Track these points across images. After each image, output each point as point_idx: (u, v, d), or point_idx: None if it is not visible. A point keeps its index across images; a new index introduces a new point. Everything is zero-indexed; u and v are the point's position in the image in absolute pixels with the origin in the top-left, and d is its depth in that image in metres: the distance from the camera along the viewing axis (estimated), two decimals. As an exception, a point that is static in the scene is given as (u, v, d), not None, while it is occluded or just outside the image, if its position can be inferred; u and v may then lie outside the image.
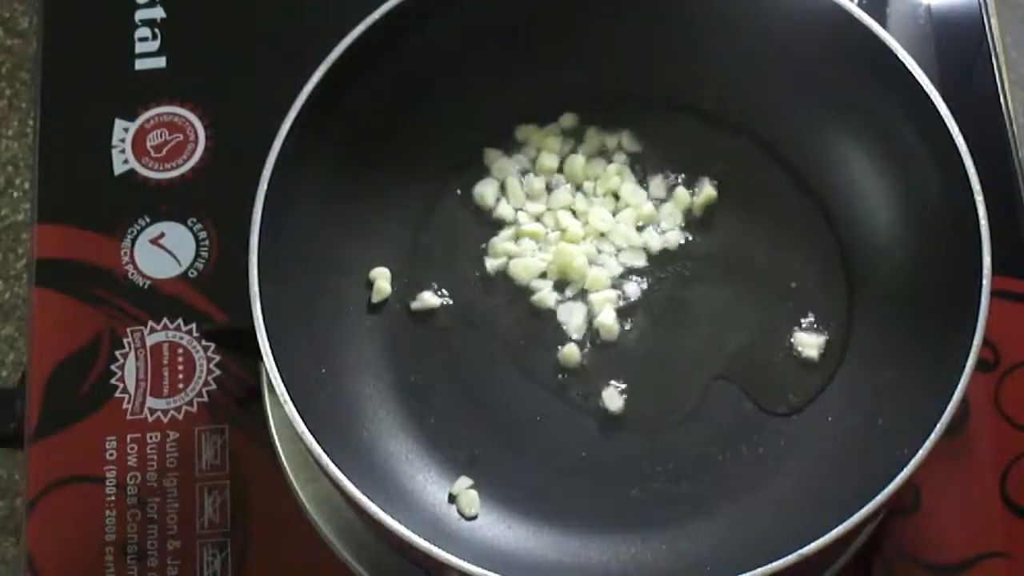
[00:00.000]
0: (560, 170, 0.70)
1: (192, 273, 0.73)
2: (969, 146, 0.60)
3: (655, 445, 0.65)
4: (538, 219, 0.70)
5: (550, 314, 0.68)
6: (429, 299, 0.68)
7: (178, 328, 0.72)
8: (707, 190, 0.69)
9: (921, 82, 0.62)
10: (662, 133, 0.71)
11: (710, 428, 0.65)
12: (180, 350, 0.72)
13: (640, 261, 0.68)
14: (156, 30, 0.79)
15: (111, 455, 0.70)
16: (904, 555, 0.67)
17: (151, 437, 0.70)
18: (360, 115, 0.66)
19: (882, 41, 0.63)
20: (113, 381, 0.71)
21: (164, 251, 0.74)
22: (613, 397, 0.66)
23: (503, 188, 0.70)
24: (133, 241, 0.74)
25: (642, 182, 0.70)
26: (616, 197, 0.70)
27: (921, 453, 0.56)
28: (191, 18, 0.80)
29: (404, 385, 0.67)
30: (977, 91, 0.76)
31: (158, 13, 0.79)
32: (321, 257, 0.67)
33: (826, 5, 0.64)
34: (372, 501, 0.56)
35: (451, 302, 0.68)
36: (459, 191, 0.70)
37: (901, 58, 0.62)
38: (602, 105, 0.72)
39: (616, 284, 0.68)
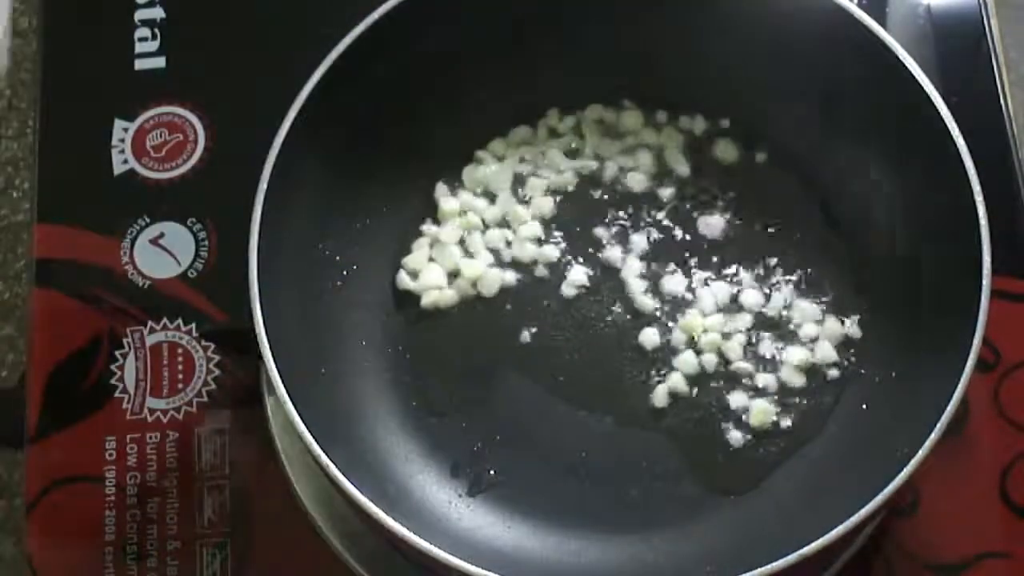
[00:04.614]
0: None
1: (192, 273, 0.73)
2: (969, 146, 0.60)
3: (655, 445, 0.65)
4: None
5: (551, 314, 0.68)
6: (436, 296, 0.68)
7: (178, 328, 0.72)
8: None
9: (921, 82, 0.62)
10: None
11: (711, 428, 0.65)
12: (180, 350, 0.72)
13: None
14: (156, 30, 0.79)
15: (111, 455, 0.69)
16: (904, 555, 0.67)
17: (151, 437, 0.70)
18: (359, 115, 0.66)
19: (882, 41, 0.63)
20: (113, 381, 0.71)
21: (164, 251, 0.74)
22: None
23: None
24: (133, 241, 0.74)
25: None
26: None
27: (921, 453, 0.56)
28: (191, 18, 0.80)
29: (404, 384, 0.67)
30: (977, 91, 0.76)
31: (158, 13, 0.79)
32: (321, 257, 0.67)
33: (826, 5, 0.64)
34: (372, 501, 0.56)
35: (455, 301, 0.68)
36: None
37: (901, 58, 0.62)
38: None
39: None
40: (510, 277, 0.69)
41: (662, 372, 0.67)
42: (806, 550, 0.55)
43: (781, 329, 0.67)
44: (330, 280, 0.67)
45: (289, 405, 0.57)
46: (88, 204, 0.76)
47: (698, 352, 0.67)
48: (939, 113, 0.61)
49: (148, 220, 0.75)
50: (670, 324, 0.67)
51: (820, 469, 0.64)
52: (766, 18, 0.67)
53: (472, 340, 0.68)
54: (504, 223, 0.70)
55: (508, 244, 0.70)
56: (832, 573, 0.65)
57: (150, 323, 0.72)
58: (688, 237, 0.69)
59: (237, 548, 0.68)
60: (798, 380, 0.66)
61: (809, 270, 0.68)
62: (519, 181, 0.71)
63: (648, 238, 0.69)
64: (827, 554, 0.56)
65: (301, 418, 0.57)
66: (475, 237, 0.70)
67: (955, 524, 0.67)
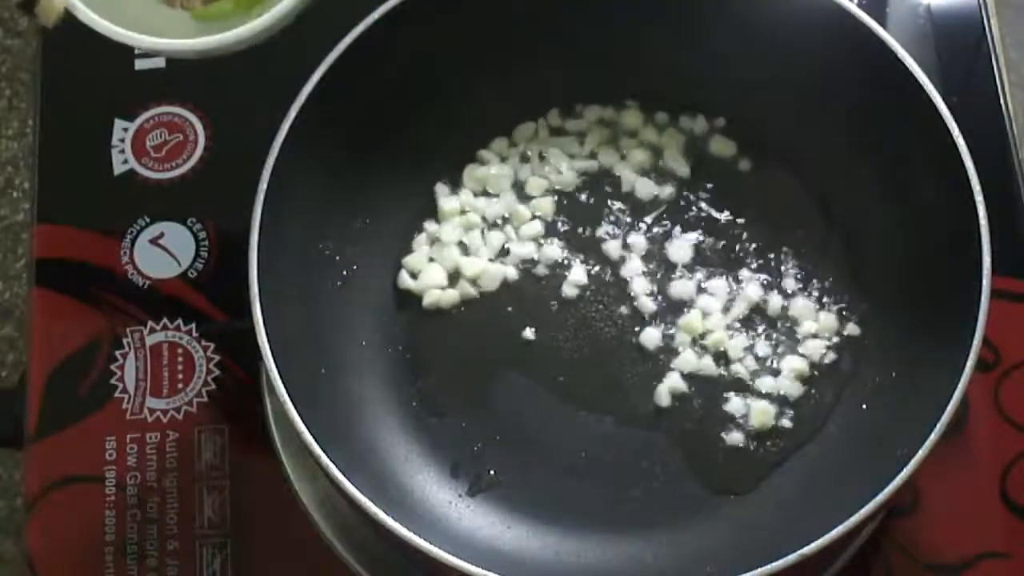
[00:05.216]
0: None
1: (192, 273, 0.73)
2: (969, 146, 0.60)
3: (655, 445, 0.65)
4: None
5: (552, 314, 0.68)
6: (437, 296, 0.68)
7: (178, 328, 0.72)
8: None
9: (921, 82, 0.62)
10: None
11: (711, 428, 0.66)
12: (180, 350, 0.72)
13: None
14: (156, 30, 0.79)
15: (111, 455, 0.70)
16: (904, 555, 0.67)
17: (151, 437, 0.70)
18: (359, 115, 0.66)
19: (882, 41, 0.63)
20: (113, 381, 0.71)
21: (164, 251, 0.74)
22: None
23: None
24: (133, 241, 0.74)
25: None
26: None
27: (921, 453, 0.56)
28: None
29: (404, 385, 0.67)
30: (977, 91, 0.76)
31: (158, 13, 0.79)
32: (321, 257, 0.67)
33: (826, 5, 0.64)
34: (372, 501, 0.56)
35: (455, 301, 0.68)
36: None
37: (901, 58, 0.62)
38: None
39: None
40: (511, 273, 0.69)
41: (662, 372, 0.67)
42: (806, 550, 0.55)
43: (781, 329, 0.67)
44: (330, 280, 0.67)
45: (289, 405, 0.57)
46: (88, 204, 0.76)
47: (699, 352, 0.67)
48: (939, 113, 0.61)
49: (148, 220, 0.75)
50: (671, 324, 0.67)
51: (820, 469, 0.64)
52: (766, 18, 0.67)
53: (472, 340, 0.68)
54: (505, 222, 0.70)
55: (509, 243, 0.70)
56: (832, 573, 0.65)
57: (150, 323, 0.72)
58: (689, 237, 0.69)
59: (237, 548, 0.68)
60: (798, 383, 0.66)
61: (809, 270, 0.68)
62: (520, 181, 0.71)
63: (648, 238, 0.69)
64: (827, 554, 0.56)
65: (301, 418, 0.57)
66: (476, 236, 0.70)
67: (955, 524, 0.67)
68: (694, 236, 0.69)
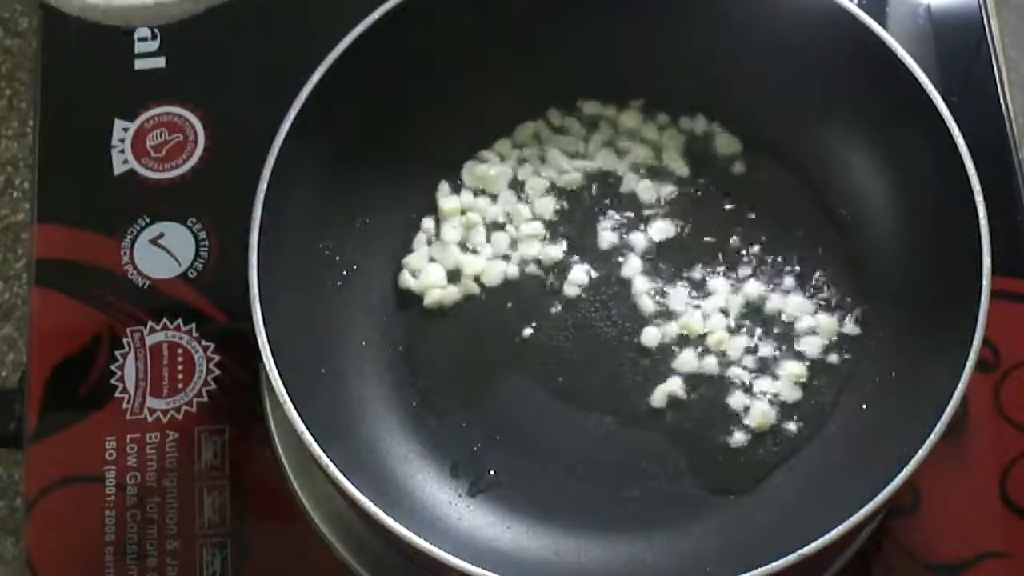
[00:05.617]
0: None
1: (192, 273, 0.73)
2: (969, 146, 0.60)
3: (655, 445, 0.65)
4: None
5: (552, 314, 0.68)
6: (438, 296, 0.68)
7: (178, 328, 0.72)
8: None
9: (921, 82, 0.62)
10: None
11: (711, 428, 0.65)
12: (180, 350, 0.72)
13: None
14: (156, 30, 0.79)
15: (111, 455, 0.69)
16: (904, 555, 0.67)
17: (151, 437, 0.70)
18: (359, 114, 0.66)
19: (882, 41, 0.63)
20: (113, 381, 0.71)
21: (164, 251, 0.74)
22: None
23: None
24: (133, 241, 0.74)
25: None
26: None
27: (921, 453, 0.56)
28: (191, 18, 0.80)
29: (404, 385, 0.67)
30: (977, 91, 0.76)
31: (158, 13, 0.79)
32: (321, 257, 0.67)
33: (826, 5, 0.64)
34: (372, 501, 0.56)
35: (456, 300, 0.68)
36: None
37: (901, 58, 0.62)
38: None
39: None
40: (512, 272, 0.69)
41: (662, 372, 0.67)
42: (806, 550, 0.55)
43: (781, 329, 0.67)
44: (330, 280, 0.67)
45: (289, 405, 0.58)
46: (88, 204, 0.76)
47: (699, 352, 0.67)
48: (939, 113, 0.61)
49: (148, 220, 0.75)
50: (671, 324, 0.67)
51: (820, 469, 0.64)
52: (766, 18, 0.67)
53: (473, 340, 0.68)
54: (505, 222, 0.70)
55: (509, 243, 0.70)
56: (832, 573, 0.65)
57: (150, 323, 0.72)
58: (689, 237, 0.69)
59: (237, 548, 0.68)
60: (798, 383, 0.66)
61: (809, 269, 0.68)
62: (520, 180, 0.71)
63: (649, 238, 0.69)
64: (827, 554, 0.56)
65: (301, 418, 0.57)
66: (476, 236, 0.70)
67: (955, 524, 0.67)
68: (694, 236, 0.69)
